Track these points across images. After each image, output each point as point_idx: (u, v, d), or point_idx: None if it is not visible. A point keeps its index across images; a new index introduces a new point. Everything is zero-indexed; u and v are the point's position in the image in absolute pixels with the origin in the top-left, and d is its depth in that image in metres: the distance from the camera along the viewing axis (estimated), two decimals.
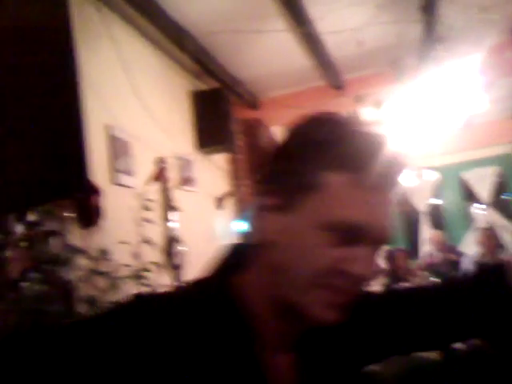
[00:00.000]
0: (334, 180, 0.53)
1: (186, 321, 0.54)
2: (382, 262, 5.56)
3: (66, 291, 1.86)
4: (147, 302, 0.56)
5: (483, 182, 5.98)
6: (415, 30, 3.22)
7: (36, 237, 1.85)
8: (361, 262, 0.53)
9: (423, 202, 6.11)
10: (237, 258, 0.61)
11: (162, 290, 0.69)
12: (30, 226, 1.83)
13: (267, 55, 3.41)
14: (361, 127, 0.56)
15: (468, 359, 1.71)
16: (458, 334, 0.69)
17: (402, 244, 5.77)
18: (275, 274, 0.56)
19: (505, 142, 5.81)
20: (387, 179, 0.54)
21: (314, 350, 0.61)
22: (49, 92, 1.41)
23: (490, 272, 0.68)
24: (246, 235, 0.61)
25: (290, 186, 0.55)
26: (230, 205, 3.73)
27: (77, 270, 1.93)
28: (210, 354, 0.53)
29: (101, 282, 2.03)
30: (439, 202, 6.23)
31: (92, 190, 2.06)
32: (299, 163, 0.55)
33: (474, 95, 3.71)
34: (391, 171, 0.55)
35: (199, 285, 0.60)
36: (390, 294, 0.73)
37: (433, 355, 2.26)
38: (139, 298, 0.57)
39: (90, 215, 2.07)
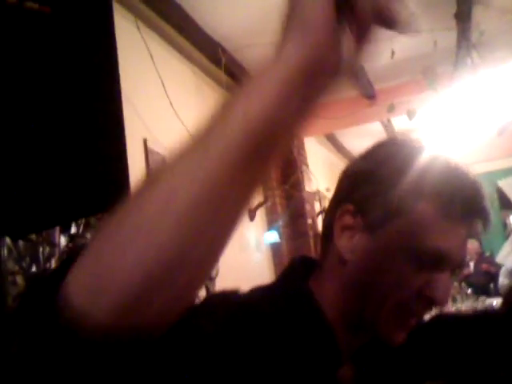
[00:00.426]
0: (424, 208, 0.56)
1: (273, 317, 0.55)
2: None
3: None
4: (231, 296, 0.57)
5: None
6: (449, 37, 3.18)
7: (75, 249, 1.91)
8: (442, 288, 0.56)
9: None
10: (306, 269, 0.64)
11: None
12: (72, 237, 1.90)
13: None
14: (446, 158, 0.59)
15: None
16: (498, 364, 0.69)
17: None
18: (354, 290, 0.59)
19: None
20: (473, 215, 0.58)
21: (367, 364, 0.63)
22: (92, 109, 1.47)
23: None
24: (322, 247, 0.64)
25: (378, 209, 0.57)
26: (261, 216, 3.74)
27: None
28: (297, 351, 0.55)
29: None
30: None
31: None
32: (388, 189, 0.57)
33: (509, 102, 3.63)
34: (477, 207, 0.58)
35: (281, 287, 0.62)
36: (438, 317, 0.74)
37: None
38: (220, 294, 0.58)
39: None
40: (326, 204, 0.69)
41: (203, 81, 3.21)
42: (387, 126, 4.78)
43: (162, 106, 2.60)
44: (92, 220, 2.04)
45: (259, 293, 0.60)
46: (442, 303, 0.57)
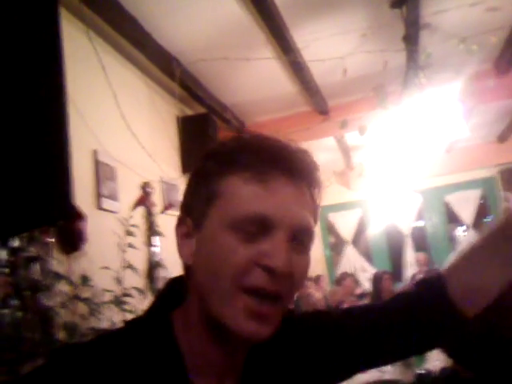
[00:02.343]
0: (231, 183, 0.56)
1: (120, 362, 0.55)
2: (367, 285, 5.60)
3: (46, 318, 1.85)
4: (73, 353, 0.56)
5: (466, 205, 6.08)
6: (399, 58, 3.31)
7: (18, 263, 1.85)
8: (276, 253, 0.53)
9: (407, 224, 6.17)
10: (177, 291, 0.62)
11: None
12: (13, 251, 1.83)
13: (254, 82, 3.48)
14: (249, 136, 0.60)
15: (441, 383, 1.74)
16: (406, 348, 0.71)
17: (387, 266, 5.81)
18: (202, 294, 0.57)
19: (487, 166, 5.94)
20: (281, 169, 0.56)
21: (259, 377, 0.62)
22: (35, 117, 1.43)
23: (429, 284, 0.71)
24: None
25: (198, 203, 0.58)
26: None
27: (58, 296, 1.93)
28: None
29: (82, 309, 2.03)
30: (423, 224, 6.30)
31: (76, 216, 2.06)
32: (199, 182, 0.59)
33: (455, 122, 3.80)
34: (284, 162, 0.56)
35: (137, 323, 0.61)
36: (342, 313, 0.74)
37: (406, 379, 2.28)
38: (60, 350, 0.58)
39: (73, 240, 2.08)
40: None
41: (156, 93, 3.20)
42: (340, 141, 4.89)
43: (114, 118, 2.57)
44: (36, 233, 1.98)
45: (119, 332, 0.60)
46: (280, 268, 0.52)
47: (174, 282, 0.63)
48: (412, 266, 5.78)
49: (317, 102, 3.91)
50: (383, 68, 3.35)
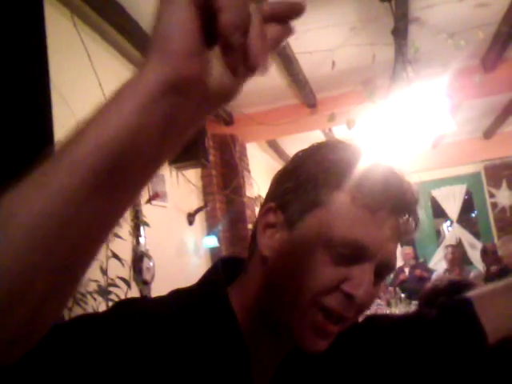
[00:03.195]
0: (338, 198, 0.54)
1: (183, 326, 0.53)
2: None
3: None
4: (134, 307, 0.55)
5: (452, 200, 6.15)
6: (387, 52, 3.32)
7: None
8: (361, 283, 0.53)
9: None
10: (227, 271, 0.61)
11: None
12: None
13: None
14: (367, 152, 0.58)
15: None
16: (432, 370, 0.68)
17: None
18: (271, 290, 0.56)
19: (473, 162, 6.00)
20: (392, 202, 0.54)
21: (289, 374, 0.61)
22: (17, 104, 1.40)
23: (456, 303, 0.69)
24: (249, 249, 0.62)
25: (297, 202, 0.56)
26: (201, 220, 3.72)
27: None
28: (206, 359, 0.53)
29: None
30: None
31: None
32: (306, 182, 0.56)
33: (441, 116, 3.83)
34: (396, 195, 0.55)
35: (195, 292, 0.59)
36: (366, 323, 0.71)
37: None
38: (124, 303, 0.56)
39: None
40: None
41: None
42: (328, 134, 4.90)
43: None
44: None
45: (172, 298, 0.58)
46: (361, 299, 0.53)
47: (227, 261, 0.63)
48: (399, 260, 5.84)
49: (305, 95, 3.90)
50: (372, 61, 3.35)
